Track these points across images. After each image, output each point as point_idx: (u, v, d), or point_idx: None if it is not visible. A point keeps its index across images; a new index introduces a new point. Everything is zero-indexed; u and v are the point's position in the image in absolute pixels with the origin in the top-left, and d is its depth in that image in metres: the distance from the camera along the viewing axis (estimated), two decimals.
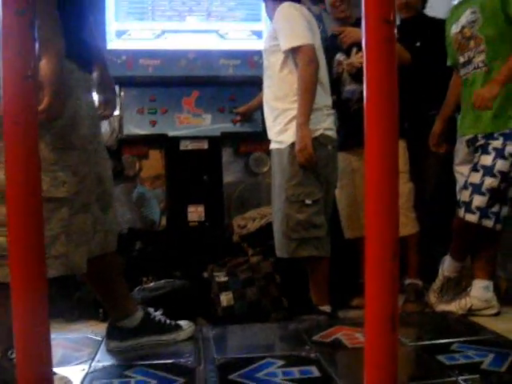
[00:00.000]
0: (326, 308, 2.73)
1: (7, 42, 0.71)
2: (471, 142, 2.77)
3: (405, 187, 2.98)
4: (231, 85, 3.82)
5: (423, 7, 3.34)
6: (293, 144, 2.66)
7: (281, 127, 2.75)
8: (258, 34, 3.88)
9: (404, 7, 3.24)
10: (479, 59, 2.71)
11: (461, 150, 2.87)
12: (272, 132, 2.83)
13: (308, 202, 2.67)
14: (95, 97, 2.18)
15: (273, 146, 2.84)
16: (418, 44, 3.13)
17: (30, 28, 0.71)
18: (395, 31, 0.83)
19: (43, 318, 0.73)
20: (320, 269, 2.74)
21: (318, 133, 2.68)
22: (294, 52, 2.65)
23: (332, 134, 2.78)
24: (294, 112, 2.66)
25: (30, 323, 0.72)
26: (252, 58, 3.82)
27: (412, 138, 3.03)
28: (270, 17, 2.88)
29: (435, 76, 3.06)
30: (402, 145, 2.95)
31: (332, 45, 3.15)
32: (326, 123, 2.74)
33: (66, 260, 1.79)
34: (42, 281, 0.73)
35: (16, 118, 0.71)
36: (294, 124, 2.66)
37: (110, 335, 2.24)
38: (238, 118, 3.70)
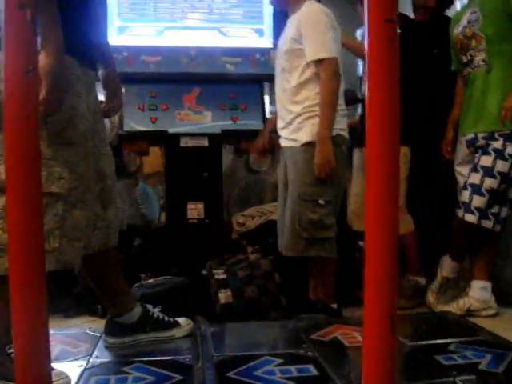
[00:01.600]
0: (334, 305, 2.76)
1: (9, 36, 0.71)
2: (471, 143, 2.77)
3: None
4: (232, 82, 3.82)
5: (443, 9, 3.31)
6: (308, 143, 2.64)
7: (295, 126, 2.72)
8: (260, 32, 3.87)
9: (421, 7, 3.21)
10: (480, 58, 2.72)
11: (461, 150, 2.87)
12: (285, 131, 2.79)
13: (321, 202, 2.65)
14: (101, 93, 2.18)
15: (285, 143, 2.80)
16: (436, 51, 3.12)
17: (31, 23, 0.71)
18: (397, 30, 0.83)
19: (42, 313, 0.73)
20: (328, 268, 2.76)
21: (334, 133, 2.64)
22: (318, 63, 2.63)
23: (346, 134, 2.77)
24: (310, 114, 2.66)
25: (29, 318, 0.72)
26: (253, 56, 3.81)
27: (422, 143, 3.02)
28: (285, 5, 2.86)
29: (452, 84, 3.03)
30: (403, 151, 2.94)
31: None
32: (341, 124, 2.71)
33: (59, 255, 1.80)
34: (41, 276, 0.73)
35: (17, 112, 0.71)
36: (309, 123, 2.66)
37: (109, 331, 2.24)
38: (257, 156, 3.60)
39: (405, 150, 2.94)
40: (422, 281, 3.07)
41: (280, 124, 2.84)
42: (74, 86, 1.84)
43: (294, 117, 2.72)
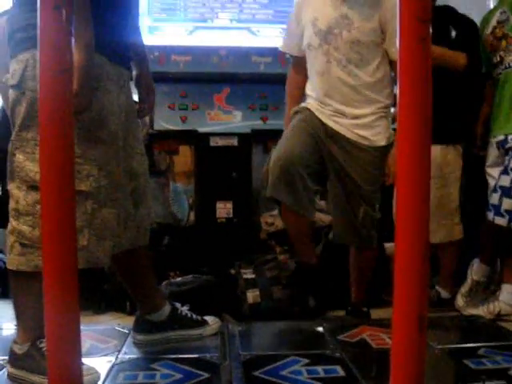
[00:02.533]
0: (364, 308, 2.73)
1: (44, 36, 0.72)
2: (501, 144, 2.74)
3: (437, 192, 2.87)
4: (262, 82, 3.82)
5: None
6: (383, 147, 2.54)
7: (366, 123, 2.53)
8: None
9: None
10: (510, 58, 2.69)
11: (492, 152, 2.84)
12: (346, 121, 2.54)
13: (376, 207, 2.59)
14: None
15: (349, 135, 2.54)
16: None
17: (66, 23, 0.72)
18: (430, 30, 0.82)
19: (74, 308, 0.74)
20: (369, 269, 2.72)
21: (392, 138, 2.55)
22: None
23: None
24: (382, 114, 2.55)
25: (61, 313, 0.73)
26: (283, 56, 3.80)
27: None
28: None
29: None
30: (453, 152, 2.91)
31: None
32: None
33: (87, 253, 1.79)
34: (74, 273, 0.74)
35: (52, 112, 0.72)
36: (382, 124, 2.55)
37: (138, 328, 2.26)
38: None
39: (458, 149, 2.90)
40: (446, 294, 3.00)
41: (334, 110, 2.56)
42: (105, 84, 1.84)
43: (365, 114, 2.52)
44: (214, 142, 3.54)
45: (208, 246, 3.27)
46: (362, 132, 2.52)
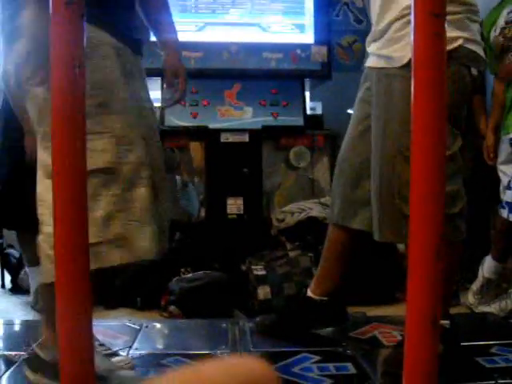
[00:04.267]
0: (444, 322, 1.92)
1: (56, 32, 0.72)
2: None
3: None
4: (273, 78, 3.81)
5: None
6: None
7: (389, 36, 1.89)
8: (301, 28, 3.86)
9: None
10: None
11: (504, 149, 2.81)
12: (374, 44, 2.00)
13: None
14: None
15: (372, 62, 2.01)
16: None
17: (79, 18, 0.72)
18: (445, 25, 0.81)
19: (86, 304, 0.74)
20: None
21: (451, 45, 1.83)
22: None
23: (475, 47, 1.96)
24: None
25: (73, 308, 0.73)
26: (295, 52, 3.80)
27: None
28: None
29: None
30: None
31: None
32: (464, 30, 1.91)
33: (127, 243, 1.56)
34: (86, 267, 0.74)
35: (65, 108, 0.72)
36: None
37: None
38: None
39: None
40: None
41: (369, 37, 2.07)
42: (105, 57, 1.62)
43: (390, 22, 1.88)
44: (225, 138, 3.54)
45: (219, 243, 3.27)
46: (385, 50, 1.95)
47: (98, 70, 1.55)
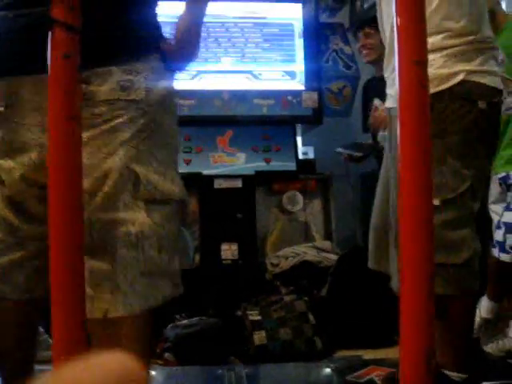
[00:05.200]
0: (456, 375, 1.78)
1: (55, 83, 0.75)
2: (503, 181, 2.75)
3: None
4: (265, 124, 3.87)
5: None
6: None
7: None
8: (291, 75, 3.94)
9: None
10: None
11: (494, 188, 2.85)
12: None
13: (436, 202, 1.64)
14: None
15: (387, 102, 1.96)
16: None
17: (75, 71, 0.75)
18: (427, 73, 0.84)
19: (81, 337, 0.75)
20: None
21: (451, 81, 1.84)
22: None
23: (485, 80, 1.88)
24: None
25: (69, 342, 0.74)
26: (285, 98, 3.87)
27: None
28: None
29: None
30: None
31: (371, 87, 3.15)
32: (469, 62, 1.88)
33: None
34: (81, 298, 0.75)
35: (61, 157, 0.74)
36: None
37: None
38: None
39: None
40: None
41: None
42: None
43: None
44: (218, 184, 3.57)
45: (213, 288, 3.26)
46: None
47: None
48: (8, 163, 1.26)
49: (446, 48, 1.77)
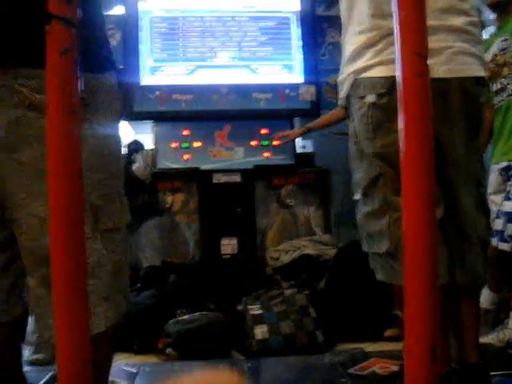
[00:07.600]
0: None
1: (53, 79, 0.74)
2: (504, 171, 2.75)
3: None
4: (263, 118, 3.86)
5: None
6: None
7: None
8: (289, 68, 3.93)
9: None
10: None
11: (494, 178, 2.84)
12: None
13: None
14: None
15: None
16: None
17: (74, 65, 0.74)
18: (427, 65, 0.84)
19: (85, 347, 0.75)
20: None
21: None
22: None
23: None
24: None
25: (73, 353, 0.74)
26: (283, 92, 3.86)
27: None
28: None
29: None
30: None
31: None
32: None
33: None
34: (84, 312, 0.74)
35: (60, 154, 0.74)
36: None
37: None
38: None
39: None
40: None
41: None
42: None
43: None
44: (217, 178, 3.57)
45: (214, 283, 3.26)
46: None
47: None
48: None
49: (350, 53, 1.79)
